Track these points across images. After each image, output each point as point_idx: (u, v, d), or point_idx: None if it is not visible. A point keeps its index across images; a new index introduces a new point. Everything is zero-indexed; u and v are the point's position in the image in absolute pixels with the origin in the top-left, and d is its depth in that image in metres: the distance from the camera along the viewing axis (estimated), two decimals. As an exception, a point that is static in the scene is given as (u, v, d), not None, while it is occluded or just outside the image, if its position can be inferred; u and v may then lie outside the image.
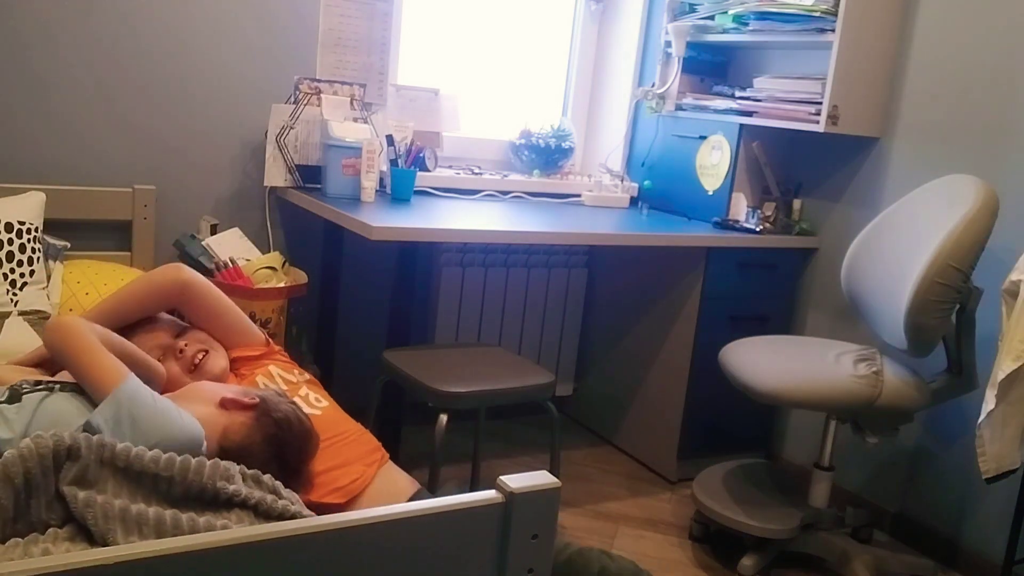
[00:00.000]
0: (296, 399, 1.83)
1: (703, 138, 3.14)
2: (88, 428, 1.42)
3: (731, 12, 2.95)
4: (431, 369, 2.24)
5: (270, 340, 2.09)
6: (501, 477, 1.10)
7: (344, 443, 1.81)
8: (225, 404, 1.63)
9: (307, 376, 2.03)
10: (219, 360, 1.93)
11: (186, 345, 1.91)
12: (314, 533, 0.97)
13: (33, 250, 2.27)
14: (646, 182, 3.39)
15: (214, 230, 2.70)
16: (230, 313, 2.02)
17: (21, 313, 2.17)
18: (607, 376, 3.35)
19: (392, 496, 1.73)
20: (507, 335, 3.29)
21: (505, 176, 3.29)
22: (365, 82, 2.94)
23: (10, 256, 2.21)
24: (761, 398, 2.30)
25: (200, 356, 1.90)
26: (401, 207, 2.71)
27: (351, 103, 2.86)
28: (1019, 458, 2.05)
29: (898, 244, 2.34)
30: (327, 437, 1.77)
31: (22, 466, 1.26)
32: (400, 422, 2.64)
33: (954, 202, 2.20)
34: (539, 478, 1.11)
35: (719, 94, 3.16)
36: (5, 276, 2.18)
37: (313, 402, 1.91)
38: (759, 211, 2.98)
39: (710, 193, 3.11)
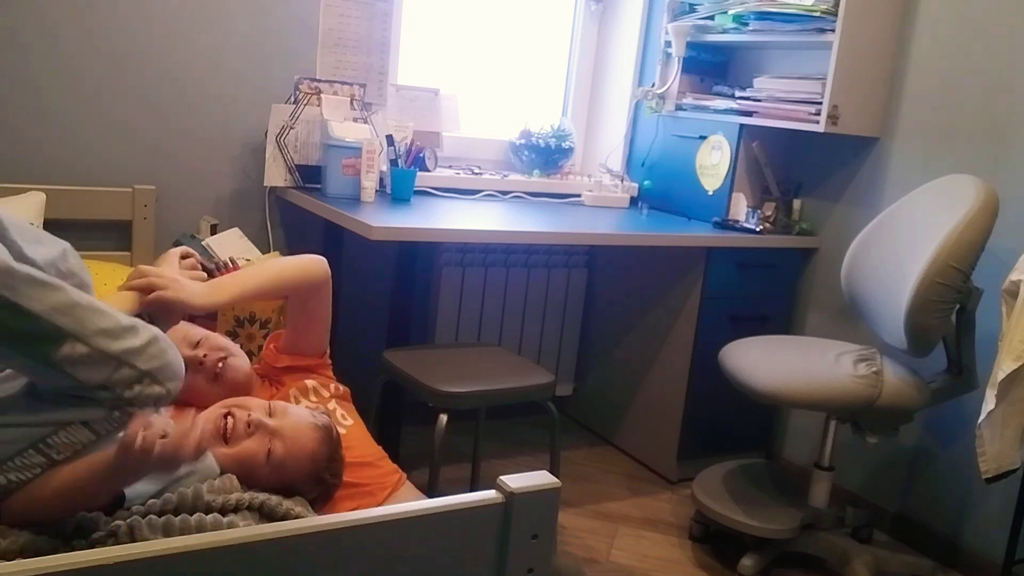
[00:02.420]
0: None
1: (703, 138, 3.14)
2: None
3: (731, 12, 2.95)
4: (431, 369, 2.24)
5: (327, 350, 2.01)
6: (501, 477, 1.10)
7: (359, 465, 1.75)
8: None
9: (341, 390, 1.96)
10: (241, 364, 1.82)
11: (205, 355, 1.78)
12: (314, 533, 0.97)
13: (33, 250, 2.27)
14: (646, 182, 3.39)
15: (214, 230, 2.70)
16: (325, 318, 1.95)
17: (21, 313, 2.17)
18: (607, 376, 3.35)
19: None
20: (507, 335, 3.28)
21: (505, 176, 3.29)
22: (365, 82, 2.94)
23: (10, 256, 2.20)
24: (761, 398, 2.30)
25: (221, 364, 1.77)
26: (401, 207, 2.71)
27: (351, 103, 2.86)
28: (1019, 458, 2.05)
29: (898, 244, 2.34)
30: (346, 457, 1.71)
31: None
32: (400, 422, 2.64)
33: (954, 202, 2.20)
34: (539, 478, 1.11)
35: (719, 94, 3.16)
36: (5, 276, 2.18)
37: (340, 419, 1.84)
38: (759, 211, 2.98)
39: (710, 193, 3.11)
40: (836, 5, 2.65)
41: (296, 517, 1.40)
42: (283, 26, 2.84)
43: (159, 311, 1.55)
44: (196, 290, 1.61)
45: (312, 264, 1.88)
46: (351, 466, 1.70)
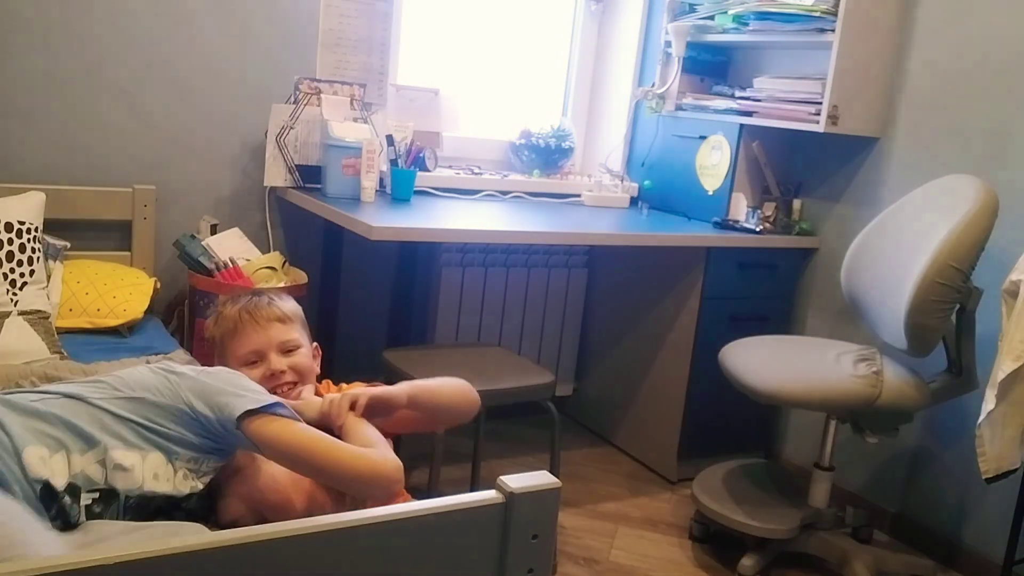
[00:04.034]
0: None
1: (703, 138, 3.14)
2: None
3: (731, 12, 2.95)
4: (431, 369, 2.24)
5: None
6: (501, 477, 1.10)
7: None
8: None
9: None
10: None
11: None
12: (314, 533, 0.97)
13: (33, 250, 2.27)
14: (646, 182, 3.39)
15: (214, 230, 2.70)
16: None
17: (21, 313, 2.17)
18: (607, 376, 3.35)
19: None
20: (507, 335, 3.28)
21: (505, 176, 3.29)
22: (365, 82, 2.94)
23: (10, 256, 2.21)
24: (761, 398, 2.30)
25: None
26: (401, 207, 2.71)
27: (351, 103, 2.86)
28: (1019, 458, 2.05)
29: (898, 244, 2.34)
30: None
31: None
32: (400, 422, 2.64)
33: (954, 202, 2.20)
34: (539, 478, 1.11)
35: (719, 94, 3.16)
36: (5, 276, 2.18)
37: None
38: (759, 211, 2.98)
39: (710, 193, 3.11)
40: (836, 5, 2.65)
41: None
42: (283, 26, 2.84)
43: (374, 412, 1.59)
44: (381, 389, 1.63)
45: (474, 405, 1.78)
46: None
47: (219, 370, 1.47)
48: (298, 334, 1.75)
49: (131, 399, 1.37)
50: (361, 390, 1.60)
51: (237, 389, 1.40)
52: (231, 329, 1.70)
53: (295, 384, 1.70)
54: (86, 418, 1.33)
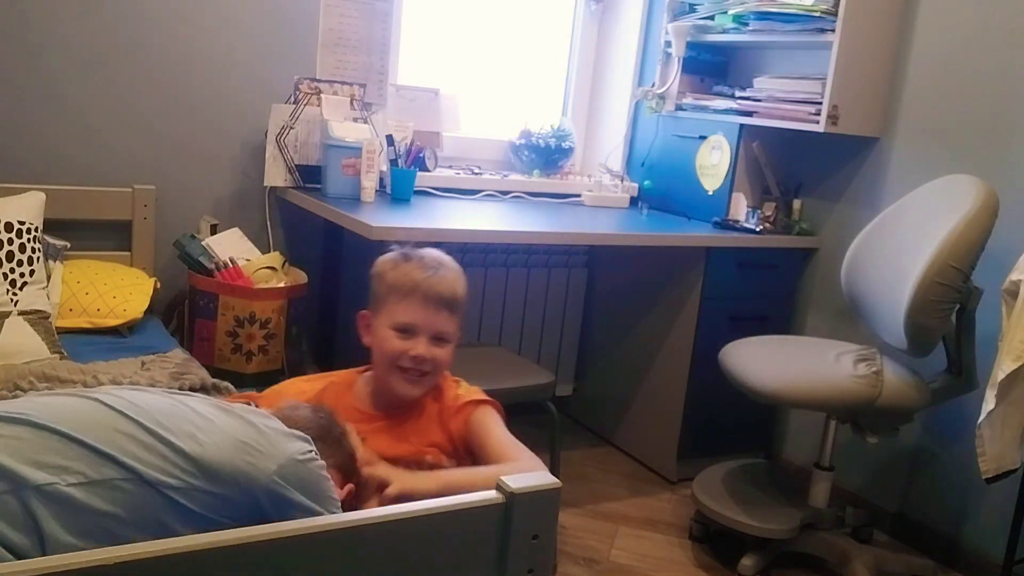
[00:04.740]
0: None
1: (703, 138, 3.14)
2: None
3: (731, 12, 2.95)
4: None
5: None
6: (501, 477, 1.10)
7: None
8: None
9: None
10: None
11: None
12: (314, 533, 0.97)
13: (33, 250, 2.27)
14: (646, 182, 3.39)
15: (214, 230, 2.70)
16: None
17: (21, 313, 2.17)
18: (607, 376, 3.34)
19: None
20: (507, 335, 3.28)
21: (505, 176, 3.29)
22: (365, 82, 2.94)
23: (10, 256, 2.21)
24: (761, 398, 2.30)
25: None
26: (401, 207, 2.71)
27: (351, 103, 2.86)
28: (1019, 458, 2.05)
29: (898, 244, 2.34)
30: None
31: None
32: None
33: (954, 202, 2.20)
34: (539, 478, 1.12)
35: (719, 94, 3.16)
36: (5, 276, 2.18)
37: None
38: (759, 211, 2.98)
39: (710, 193, 3.11)
40: (836, 5, 2.65)
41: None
42: (283, 26, 2.84)
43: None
44: (411, 478, 1.50)
45: None
46: None
47: (313, 465, 1.23)
48: (455, 327, 1.67)
49: (212, 494, 1.15)
50: (393, 477, 1.45)
51: (315, 504, 1.21)
52: (404, 290, 1.60)
53: (426, 375, 1.62)
54: (151, 512, 1.11)
